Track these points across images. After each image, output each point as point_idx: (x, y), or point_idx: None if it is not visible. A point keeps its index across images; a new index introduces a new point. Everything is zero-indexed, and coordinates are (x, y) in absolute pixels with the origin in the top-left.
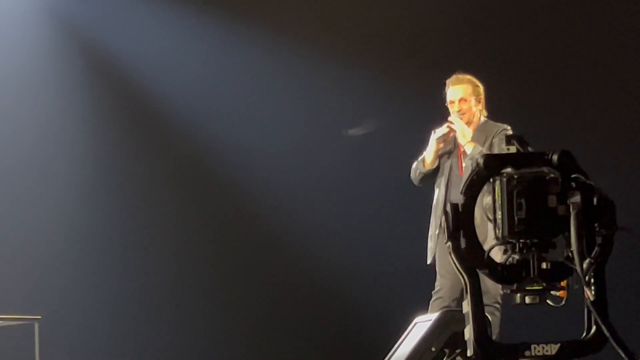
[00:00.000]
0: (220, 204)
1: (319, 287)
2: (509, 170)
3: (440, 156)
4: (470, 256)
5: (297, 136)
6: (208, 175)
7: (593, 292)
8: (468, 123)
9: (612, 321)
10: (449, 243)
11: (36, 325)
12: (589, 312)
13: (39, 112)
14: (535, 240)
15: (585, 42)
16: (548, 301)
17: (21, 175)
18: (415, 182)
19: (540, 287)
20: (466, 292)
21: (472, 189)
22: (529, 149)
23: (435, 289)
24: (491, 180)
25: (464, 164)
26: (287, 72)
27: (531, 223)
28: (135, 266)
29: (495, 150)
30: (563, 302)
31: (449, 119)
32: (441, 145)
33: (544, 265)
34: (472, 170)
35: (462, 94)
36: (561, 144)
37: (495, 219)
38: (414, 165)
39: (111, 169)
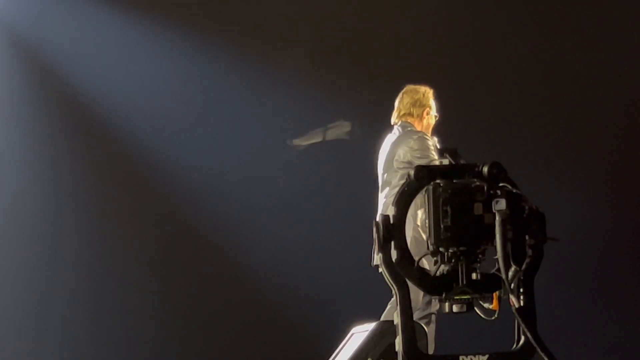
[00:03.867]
0: (160, 211)
1: (256, 296)
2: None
3: None
4: (401, 267)
5: (242, 143)
6: (147, 179)
7: (521, 301)
8: None
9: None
10: (380, 254)
11: None
12: (519, 323)
13: None
14: (462, 249)
15: (526, 54)
16: (480, 313)
17: None
18: None
19: (468, 297)
20: (397, 304)
21: (403, 201)
22: (461, 161)
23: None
24: (424, 192)
25: None
26: (232, 79)
27: (457, 231)
28: (52, 266)
29: None
30: (496, 315)
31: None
32: None
33: (473, 276)
34: (404, 182)
35: None
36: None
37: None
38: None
39: (41, 168)
